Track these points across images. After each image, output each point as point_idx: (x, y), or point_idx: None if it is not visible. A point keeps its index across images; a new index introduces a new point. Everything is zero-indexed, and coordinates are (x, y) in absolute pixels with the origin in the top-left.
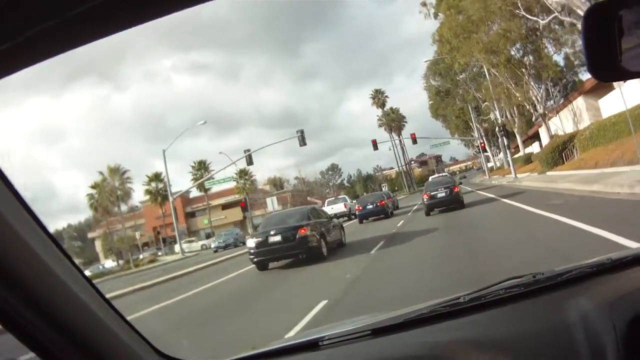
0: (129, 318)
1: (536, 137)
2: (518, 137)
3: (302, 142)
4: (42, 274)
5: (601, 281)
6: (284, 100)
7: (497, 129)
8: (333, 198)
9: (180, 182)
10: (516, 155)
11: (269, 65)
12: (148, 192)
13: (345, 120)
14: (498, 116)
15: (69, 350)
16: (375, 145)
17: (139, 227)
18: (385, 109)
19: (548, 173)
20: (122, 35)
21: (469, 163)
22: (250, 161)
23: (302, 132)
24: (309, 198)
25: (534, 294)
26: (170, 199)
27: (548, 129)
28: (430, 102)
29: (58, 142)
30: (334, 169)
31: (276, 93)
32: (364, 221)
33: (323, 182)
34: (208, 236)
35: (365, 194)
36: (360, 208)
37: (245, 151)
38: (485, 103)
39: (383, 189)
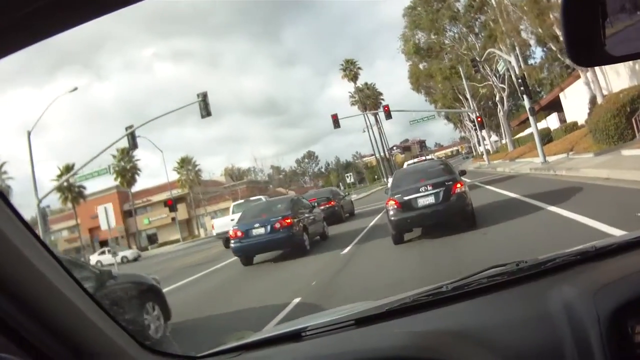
0: None
1: (552, 107)
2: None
3: (205, 111)
4: (25, 270)
5: (585, 269)
6: (266, 88)
7: (498, 98)
8: (239, 202)
9: (162, 175)
10: (525, 133)
11: (250, 52)
12: (58, 189)
13: (327, 106)
14: (514, 62)
15: (54, 345)
16: (336, 121)
17: (73, 230)
18: (358, 83)
19: (626, 152)
20: (101, 24)
21: (455, 149)
22: (134, 143)
23: (204, 97)
24: (279, 189)
25: (518, 282)
26: (36, 200)
27: (590, 83)
28: (409, 65)
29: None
30: (311, 156)
31: (258, 80)
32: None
33: (299, 171)
34: (151, 240)
35: (330, 187)
36: (242, 234)
37: (126, 128)
38: (490, 50)
39: (347, 179)
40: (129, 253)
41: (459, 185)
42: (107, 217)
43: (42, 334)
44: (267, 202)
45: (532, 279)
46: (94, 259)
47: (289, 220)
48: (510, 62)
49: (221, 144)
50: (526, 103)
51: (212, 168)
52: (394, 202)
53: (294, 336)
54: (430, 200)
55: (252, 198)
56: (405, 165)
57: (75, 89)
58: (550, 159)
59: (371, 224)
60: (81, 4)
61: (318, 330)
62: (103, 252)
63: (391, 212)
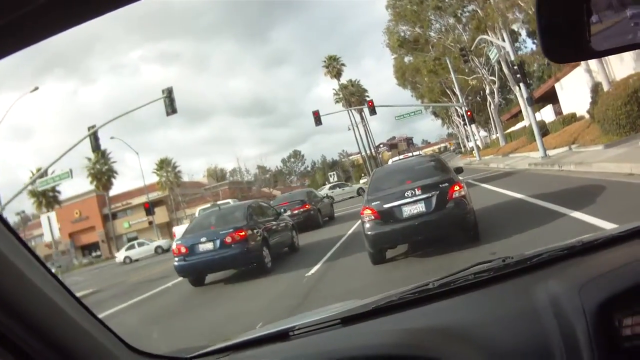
0: None
1: (546, 99)
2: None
3: (170, 108)
4: (11, 274)
5: (571, 264)
6: (253, 88)
7: (488, 91)
8: (205, 206)
9: (150, 177)
10: (516, 127)
11: (237, 53)
12: (32, 194)
13: (315, 106)
14: (508, 47)
15: (40, 348)
16: (317, 118)
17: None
18: (341, 80)
19: None
20: (87, 27)
21: (443, 145)
22: (96, 145)
23: (169, 93)
24: (264, 189)
25: (504, 278)
26: None
27: (591, 71)
28: (393, 59)
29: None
30: (297, 155)
31: (245, 81)
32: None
33: (286, 171)
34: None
35: (306, 189)
36: (186, 250)
37: (89, 128)
38: (481, 37)
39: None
40: (163, 243)
41: (457, 187)
42: (51, 228)
43: (28, 337)
44: (221, 210)
45: (519, 274)
46: (120, 255)
47: (242, 233)
48: (503, 49)
49: (207, 145)
50: (523, 91)
51: (199, 170)
52: (370, 212)
53: (281, 336)
54: (420, 208)
55: (219, 202)
56: (390, 162)
57: (36, 88)
58: (550, 152)
59: (350, 230)
60: (71, 6)
61: (305, 329)
62: (132, 247)
63: (367, 225)
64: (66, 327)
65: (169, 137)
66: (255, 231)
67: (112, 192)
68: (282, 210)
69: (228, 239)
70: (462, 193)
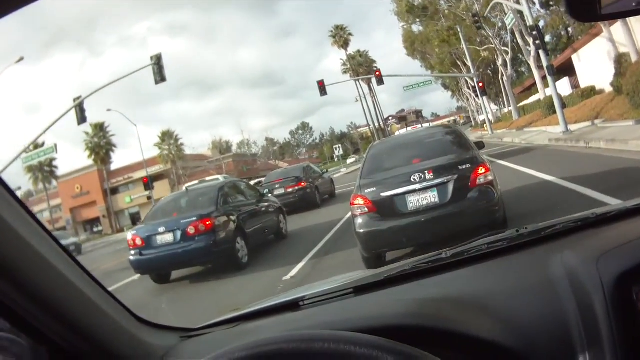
0: None
1: (561, 71)
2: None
3: (159, 76)
4: (18, 245)
5: (586, 236)
6: (263, 60)
7: (501, 62)
8: (192, 183)
9: (149, 150)
10: (529, 100)
11: (246, 24)
12: (28, 169)
13: (324, 77)
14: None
15: (47, 320)
16: (322, 88)
17: (56, 209)
18: (349, 50)
19: None
20: None
21: (452, 118)
22: (82, 117)
23: (158, 60)
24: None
25: (518, 248)
26: None
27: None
28: (402, 27)
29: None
30: (305, 127)
31: (254, 52)
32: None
33: (294, 143)
34: (134, 219)
35: (303, 164)
36: (142, 242)
37: (74, 100)
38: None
39: (336, 152)
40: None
41: (482, 169)
42: None
43: (34, 309)
44: (189, 193)
45: (533, 245)
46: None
47: (208, 222)
48: (519, 14)
49: (216, 117)
50: (543, 59)
51: (205, 143)
52: (363, 202)
53: (292, 306)
54: (431, 198)
55: (208, 178)
56: (396, 134)
57: (22, 59)
58: (571, 127)
59: (349, 213)
60: None
61: (316, 299)
62: None
63: (359, 221)
64: (73, 298)
65: (177, 110)
66: (227, 219)
67: (115, 165)
68: (276, 186)
69: (190, 230)
70: (489, 178)
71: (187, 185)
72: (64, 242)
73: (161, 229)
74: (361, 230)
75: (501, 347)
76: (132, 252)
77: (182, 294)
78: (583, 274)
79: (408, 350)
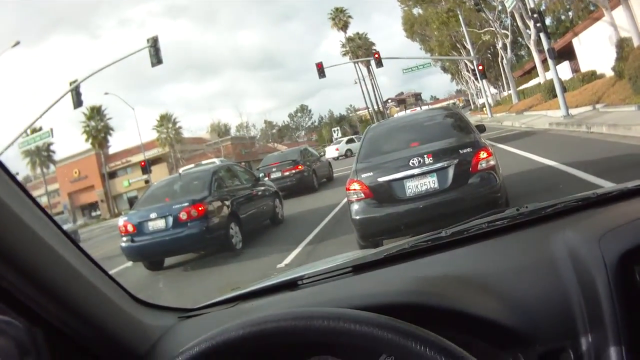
0: None
1: (562, 55)
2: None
3: (155, 58)
4: (15, 226)
5: (588, 215)
6: (262, 42)
7: (501, 45)
8: (187, 167)
9: (149, 134)
10: (529, 84)
11: (245, 5)
12: (25, 154)
13: (324, 60)
14: None
15: (43, 302)
16: (321, 70)
17: (54, 194)
18: (348, 33)
19: None
20: None
21: (452, 101)
22: (78, 101)
23: (155, 42)
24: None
25: (519, 227)
26: None
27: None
28: (402, 10)
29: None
30: (304, 110)
31: (254, 35)
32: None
33: (293, 125)
34: (132, 203)
35: (300, 147)
36: (133, 228)
37: (70, 83)
38: None
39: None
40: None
41: (483, 153)
42: None
43: (31, 290)
44: (182, 178)
45: (534, 224)
46: None
47: (201, 207)
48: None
49: (215, 99)
50: (544, 42)
51: (204, 126)
52: (359, 187)
53: (290, 285)
54: (430, 183)
55: (204, 162)
56: (395, 116)
57: (18, 43)
58: (572, 112)
59: (346, 198)
60: None
61: (315, 278)
62: None
63: (355, 207)
64: (70, 279)
65: (176, 92)
66: (220, 204)
67: (113, 149)
68: (273, 170)
69: (182, 215)
70: (491, 162)
71: (182, 169)
72: None
73: (153, 215)
74: (357, 217)
75: (502, 326)
76: (124, 238)
77: (173, 281)
78: (585, 252)
79: (407, 327)
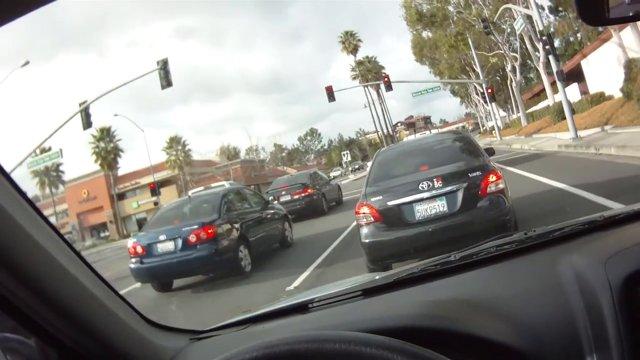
0: None
1: (570, 77)
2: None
3: (165, 80)
4: (28, 246)
5: (594, 238)
6: (271, 65)
7: (510, 67)
8: (197, 190)
9: (157, 156)
10: (538, 106)
11: (253, 28)
12: (34, 174)
13: (333, 83)
14: (536, 15)
15: (57, 322)
16: (330, 94)
17: (62, 214)
18: (358, 56)
19: None
20: (102, 2)
21: (461, 125)
22: (87, 122)
23: (164, 64)
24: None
25: (526, 251)
26: None
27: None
28: (411, 34)
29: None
30: (313, 133)
31: (263, 57)
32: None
33: (302, 149)
34: (140, 225)
35: (309, 170)
36: (142, 250)
37: (80, 104)
38: (505, 6)
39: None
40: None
41: (492, 177)
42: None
43: (45, 311)
44: (191, 201)
45: (541, 248)
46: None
47: (210, 230)
48: (528, 19)
49: (224, 123)
50: (553, 65)
51: (213, 148)
52: (368, 211)
53: (301, 308)
54: (439, 207)
55: (214, 184)
56: (404, 140)
57: (27, 62)
58: (580, 133)
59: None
60: None
61: (325, 301)
62: None
63: (365, 231)
64: (82, 300)
65: (186, 115)
66: (229, 226)
67: (122, 170)
68: (283, 193)
69: (192, 238)
70: (500, 186)
71: (192, 191)
72: None
73: (162, 237)
74: (367, 241)
75: (510, 349)
76: (133, 259)
77: (182, 302)
78: (591, 276)
79: (418, 350)
